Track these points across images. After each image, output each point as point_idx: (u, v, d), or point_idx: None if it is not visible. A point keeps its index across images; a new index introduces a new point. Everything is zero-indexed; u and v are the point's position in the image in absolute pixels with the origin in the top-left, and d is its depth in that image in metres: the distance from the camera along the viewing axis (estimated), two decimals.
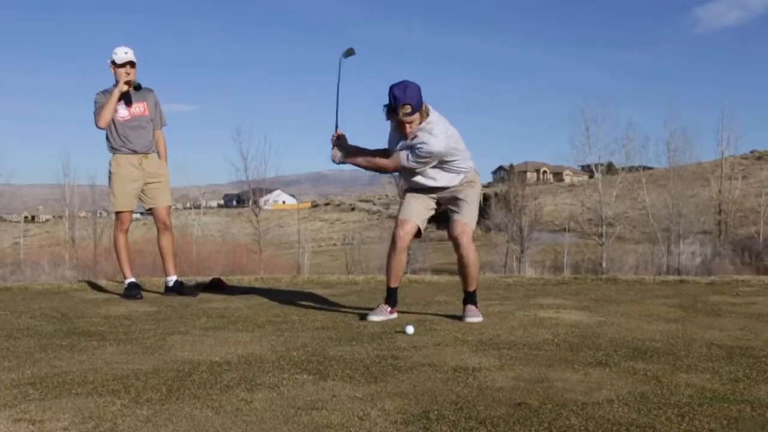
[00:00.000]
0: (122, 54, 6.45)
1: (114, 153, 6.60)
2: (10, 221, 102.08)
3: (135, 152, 6.54)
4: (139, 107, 6.58)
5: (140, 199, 6.65)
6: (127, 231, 6.64)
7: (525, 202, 40.31)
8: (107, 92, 6.51)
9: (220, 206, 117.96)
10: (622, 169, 52.03)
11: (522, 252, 38.35)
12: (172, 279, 6.67)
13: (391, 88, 4.98)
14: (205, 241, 46.13)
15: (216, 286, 7.13)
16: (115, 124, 6.51)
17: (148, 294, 6.69)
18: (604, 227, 42.86)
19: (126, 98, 6.51)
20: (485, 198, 74.06)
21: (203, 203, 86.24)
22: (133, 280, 6.60)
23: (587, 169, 54.32)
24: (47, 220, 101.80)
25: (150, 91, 6.76)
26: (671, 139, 48.09)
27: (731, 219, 50.38)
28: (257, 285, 7.73)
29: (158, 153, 6.77)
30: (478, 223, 5.03)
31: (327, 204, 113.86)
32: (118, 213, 6.57)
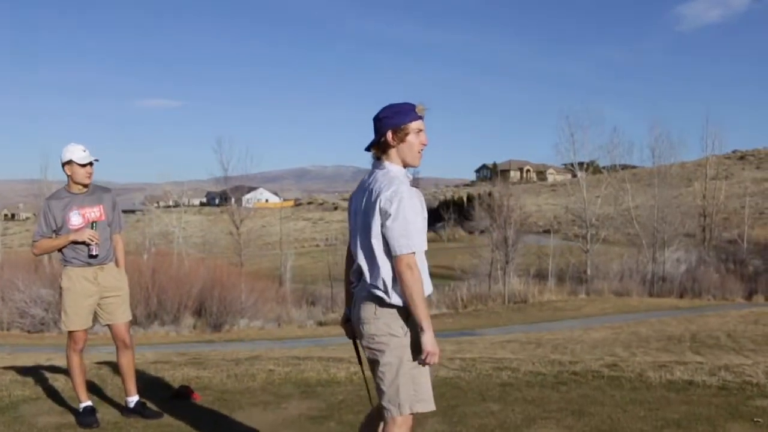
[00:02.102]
0: (80, 152, 5.57)
1: (65, 266, 5.72)
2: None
3: (89, 264, 5.65)
4: (93, 212, 5.71)
5: (96, 314, 5.81)
6: (81, 351, 5.80)
7: (510, 212, 39.98)
8: (57, 201, 5.64)
9: (202, 204, 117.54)
10: (606, 168, 51.99)
11: (507, 262, 38.11)
12: (133, 400, 5.94)
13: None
14: (186, 256, 45.68)
15: (184, 395, 6.50)
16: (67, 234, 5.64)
17: (106, 415, 5.92)
18: (589, 232, 42.67)
19: (78, 200, 5.63)
20: (469, 199, 74.52)
21: (185, 201, 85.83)
22: (88, 404, 5.84)
23: (571, 168, 54.22)
24: (27, 218, 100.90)
25: (106, 191, 5.92)
26: (656, 144, 48.01)
27: (715, 223, 50.42)
28: (229, 384, 6.89)
29: (116, 261, 5.91)
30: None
31: (310, 203, 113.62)
32: (70, 332, 5.74)
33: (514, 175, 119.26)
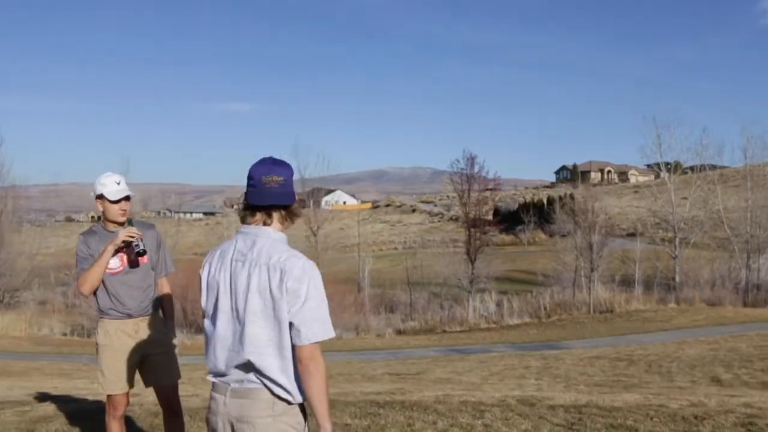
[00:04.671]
0: (113, 185, 4.76)
1: (101, 318, 4.89)
2: (77, 221, 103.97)
3: (129, 316, 4.80)
4: (134, 252, 4.87)
5: (140, 373, 4.95)
6: (121, 417, 4.96)
7: (595, 217, 38.60)
8: (93, 236, 4.87)
9: None
10: (692, 169, 50.03)
11: (592, 270, 36.75)
12: None
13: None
14: None
15: None
16: (102, 279, 4.78)
17: None
18: (678, 237, 40.88)
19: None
20: (549, 201, 72.98)
21: None
22: None
23: (655, 169, 52.32)
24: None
25: (149, 227, 5.04)
26: (748, 144, 45.66)
27: None
28: None
29: (162, 311, 5.04)
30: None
31: (388, 205, 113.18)
32: (108, 396, 4.87)
33: (595, 176, 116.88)
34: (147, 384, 5.00)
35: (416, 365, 19.48)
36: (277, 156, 2.99)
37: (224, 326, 2.90)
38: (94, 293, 4.83)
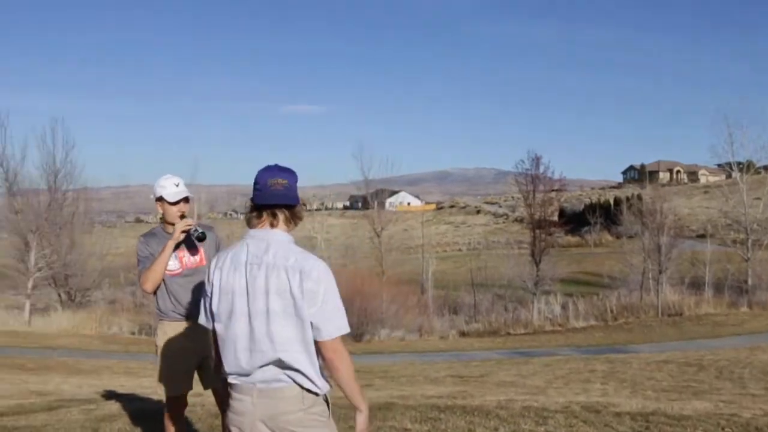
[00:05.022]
0: (172, 187, 4.83)
1: (161, 319, 4.93)
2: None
3: (188, 318, 4.80)
4: (193, 256, 4.90)
5: (198, 376, 4.98)
6: (180, 418, 5.01)
7: (664, 218, 37.76)
8: (153, 238, 4.93)
9: (346, 207, 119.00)
10: (765, 169, 48.71)
11: (660, 272, 35.96)
12: None
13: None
14: (328, 262, 45.68)
15: None
16: (164, 281, 4.83)
17: None
18: (750, 239, 39.72)
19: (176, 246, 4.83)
20: (616, 202, 71.91)
21: (329, 205, 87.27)
22: None
23: (727, 168, 50.99)
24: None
25: (209, 229, 5.02)
26: None
27: None
28: None
29: None
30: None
31: (452, 206, 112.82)
32: (168, 398, 4.91)
33: (663, 176, 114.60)
34: (206, 386, 5.01)
35: (479, 368, 19.30)
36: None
37: (242, 328, 3.00)
38: (155, 294, 4.88)
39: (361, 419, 3.07)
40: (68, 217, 39.63)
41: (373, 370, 19.04)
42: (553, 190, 42.47)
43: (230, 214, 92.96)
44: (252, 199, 3.10)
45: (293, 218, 3.12)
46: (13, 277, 37.38)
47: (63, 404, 8.64)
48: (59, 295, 38.13)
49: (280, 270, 2.97)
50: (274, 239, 3.05)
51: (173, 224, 4.84)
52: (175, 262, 4.82)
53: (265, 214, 3.08)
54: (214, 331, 3.16)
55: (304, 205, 3.20)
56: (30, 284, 35.09)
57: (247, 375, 3.00)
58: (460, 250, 73.97)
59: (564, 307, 35.86)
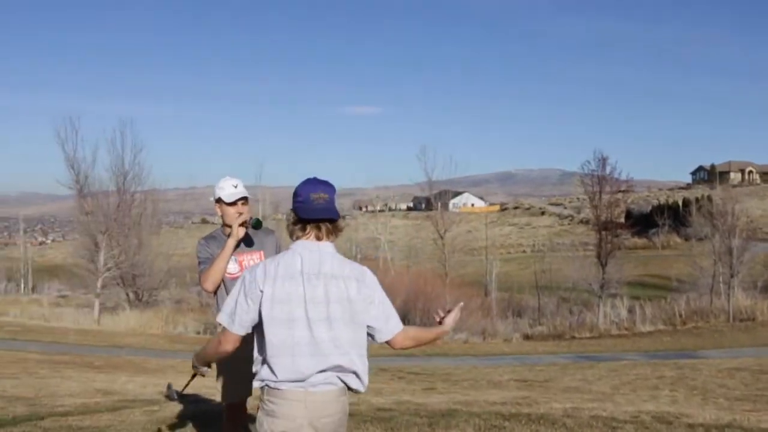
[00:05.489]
0: (230, 188, 4.79)
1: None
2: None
3: None
4: (253, 259, 4.81)
5: None
6: (239, 425, 4.99)
7: (735, 220, 36.73)
8: (213, 240, 4.84)
9: (409, 208, 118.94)
10: None
11: (732, 276, 34.96)
12: None
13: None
14: (391, 264, 45.86)
15: None
16: (223, 283, 4.75)
17: None
18: None
19: (236, 246, 4.75)
20: (685, 203, 70.44)
21: (392, 206, 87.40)
22: None
23: None
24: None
25: (269, 233, 5.02)
26: None
27: None
28: None
29: None
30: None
31: (516, 207, 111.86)
32: (227, 404, 4.90)
33: (735, 176, 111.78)
34: None
35: (544, 372, 19.02)
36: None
37: (302, 335, 3.09)
38: (215, 296, 4.82)
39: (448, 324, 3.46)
40: (136, 218, 40.46)
41: (435, 372, 18.91)
42: (619, 191, 41.64)
43: None
44: (295, 212, 3.20)
45: (335, 231, 3.24)
46: (84, 276, 38.30)
47: (127, 405, 8.70)
48: (127, 295, 38.91)
49: (338, 280, 3.13)
50: (325, 251, 3.18)
51: (231, 226, 4.77)
52: (235, 265, 4.75)
53: (309, 227, 3.19)
54: (248, 339, 3.26)
55: (343, 218, 3.29)
56: (99, 284, 35.85)
57: (301, 381, 3.10)
58: (524, 251, 73.32)
59: (630, 310, 35.15)
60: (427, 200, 60.82)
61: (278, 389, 3.13)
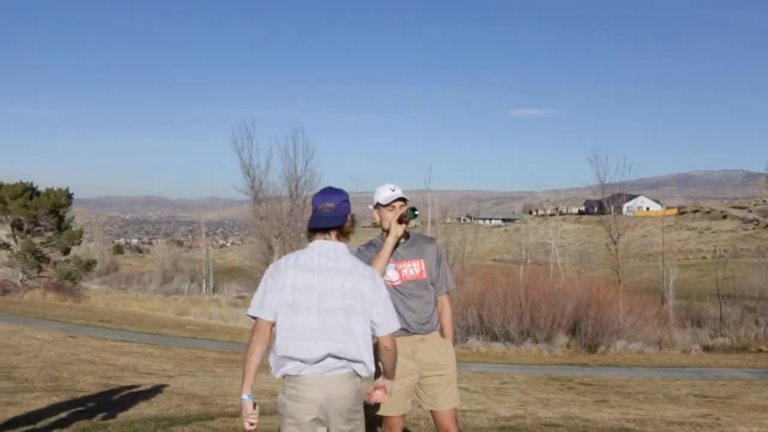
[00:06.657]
0: (388, 192, 4.62)
1: None
2: (362, 227, 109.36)
3: (407, 332, 4.48)
4: (413, 267, 4.63)
5: (418, 396, 4.68)
6: None
7: None
8: (372, 247, 4.65)
9: (581, 213, 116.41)
10: None
11: None
12: None
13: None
14: (561, 269, 44.78)
15: None
16: None
17: None
18: None
19: (394, 253, 4.57)
20: None
21: (563, 210, 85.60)
22: None
23: None
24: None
25: (430, 241, 4.83)
26: None
27: None
28: None
29: (442, 330, 4.71)
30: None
31: (695, 211, 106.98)
32: (385, 417, 4.61)
33: None
34: (425, 407, 4.75)
35: (726, 387, 17.83)
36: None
37: (315, 321, 3.48)
38: None
39: (388, 383, 3.80)
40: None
41: (607, 384, 18.14)
42: None
43: (464, 219, 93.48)
44: (308, 222, 3.69)
45: (343, 235, 3.67)
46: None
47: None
48: None
49: (353, 275, 3.55)
50: (340, 249, 3.62)
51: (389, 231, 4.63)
52: (395, 273, 4.60)
53: (318, 234, 3.65)
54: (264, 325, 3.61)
55: (354, 221, 3.67)
56: None
57: (312, 363, 3.48)
58: (704, 257, 70.06)
59: None
60: (600, 204, 59.07)
61: (298, 375, 3.50)
